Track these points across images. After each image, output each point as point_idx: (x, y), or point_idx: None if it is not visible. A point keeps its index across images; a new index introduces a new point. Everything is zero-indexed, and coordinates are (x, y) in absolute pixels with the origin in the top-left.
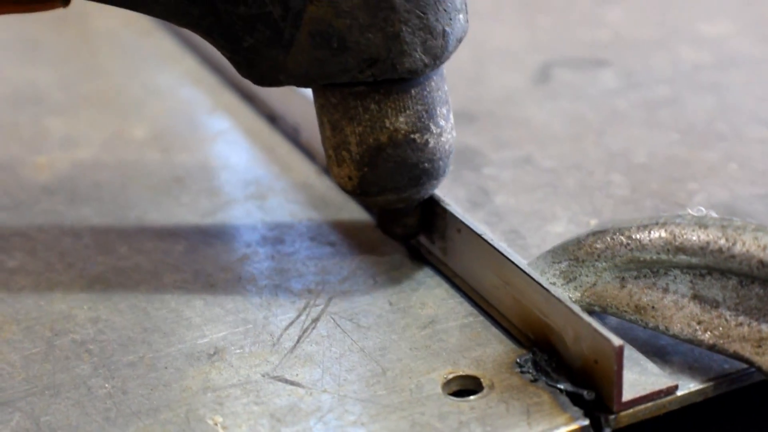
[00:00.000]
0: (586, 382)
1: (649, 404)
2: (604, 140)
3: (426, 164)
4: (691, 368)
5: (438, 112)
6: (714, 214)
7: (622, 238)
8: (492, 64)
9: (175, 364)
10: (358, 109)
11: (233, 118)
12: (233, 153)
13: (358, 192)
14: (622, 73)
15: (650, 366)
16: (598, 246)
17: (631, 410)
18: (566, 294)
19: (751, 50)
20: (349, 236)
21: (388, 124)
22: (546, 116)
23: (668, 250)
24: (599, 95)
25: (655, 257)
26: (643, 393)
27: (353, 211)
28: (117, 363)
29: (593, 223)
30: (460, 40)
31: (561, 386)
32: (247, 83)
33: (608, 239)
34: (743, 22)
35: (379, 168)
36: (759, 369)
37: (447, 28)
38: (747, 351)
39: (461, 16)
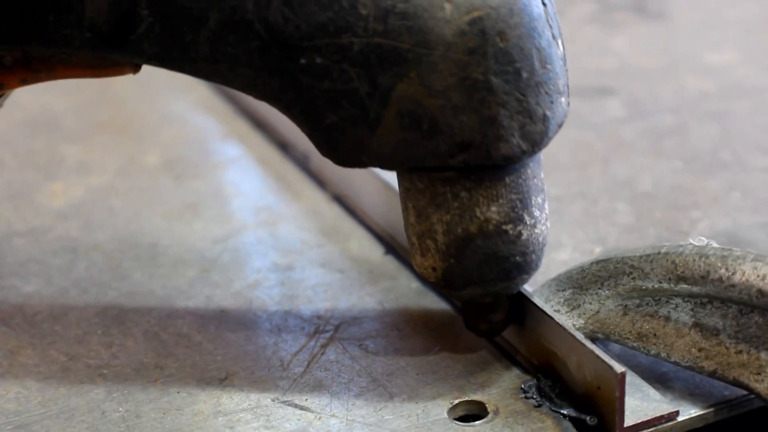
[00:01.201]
0: (589, 408)
1: (651, 430)
2: (609, 168)
3: (518, 257)
4: (692, 394)
5: (533, 201)
6: (715, 244)
7: (625, 267)
8: None
9: (187, 388)
10: (446, 195)
11: (245, 145)
12: (245, 180)
13: (442, 284)
14: (628, 102)
15: (652, 392)
16: (601, 274)
17: None
18: (570, 321)
19: (755, 79)
20: (359, 263)
21: (478, 214)
22: (552, 145)
23: (670, 279)
24: (605, 124)
25: (657, 286)
26: (644, 419)
27: (362, 239)
28: (130, 387)
29: (597, 251)
30: (560, 125)
31: (564, 412)
32: (259, 111)
33: (611, 268)
34: (748, 52)
35: (467, 260)
36: (758, 395)
37: (548, 113)
38: (747, 378)
39: (563, 99)
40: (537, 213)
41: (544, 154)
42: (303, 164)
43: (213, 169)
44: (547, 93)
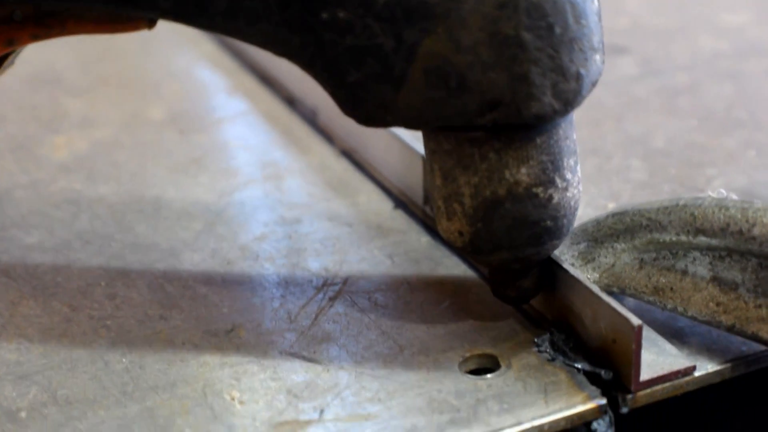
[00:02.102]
0: (604, 362)
1: (667, 384)
2: (622, 126)
3: (548, 222)
4: (709, 350)
5: (565, 163)
6: (735, 197)
7: (641, 219)
8: None
9: (193, 340)
10: (474, 157)
11: (251, 100)
12: (251, 135)
13: (469, 249)
14: (642, 61)
15: (668, 347)
16: (617, 227)
17: (648, 390)
18: (585, 275)
19: None
20: (367, 217)
21: (508, 176)
22: None
23: (688, 231)
24: (618, 82)
25: (674, 239)
26: (660, 373)
27: (371, 193)
28: (134, 338)
29: (611, 207)
30: (594, 84)
31: (578, 366)
32: (266, 66)
33: (627, 220)
34: (763, 12)
35: (495, 224)
36: None
37: (582, 70)
38: (765, 332)
39: (598, 56)
40: (569, 176)
41: None
42: (311, 119)
43: (218, 123)
44: (581, 50)
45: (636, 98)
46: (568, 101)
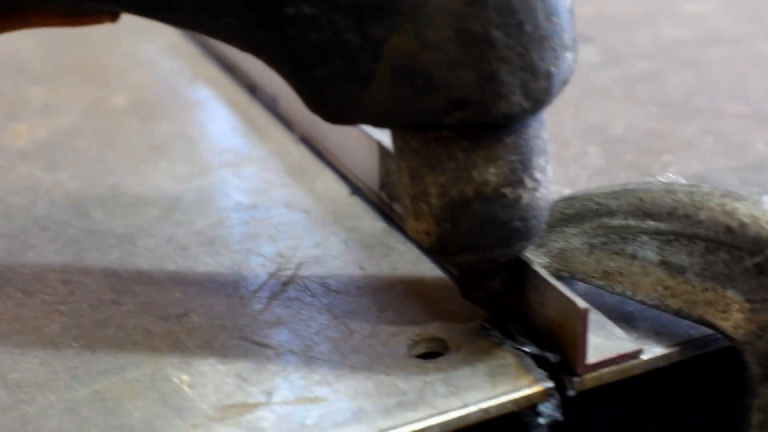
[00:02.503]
0: (552, 346)
1: (614, 368)
2: (581, 113)
3: (517, 223)
4: (658, 333)
5: (535, 163)
6: (683, 181)
7: (591, 204)
8: None
9: (144, 324)
10: (442, 156)
11: (213, 88)
12: (212, 122)
13: (436, 250)
14: (604, 49)
15: (616, 331)
16: (567, 212)
17: (595, 373)
18: (536, 260)
19: (732, 28)
20: (324, 203)
21: (476, 176)
22: None
23: (636, 215)
24: (580, 70)
25: (623, 223)
26: (607, 356)
27: (329, 180)
28: (86, 323)
29: (566, 193)
30: (566, 82)
31: (526, 349)
32: (228, 55)
33: (578, 205)
34: (726, 1)
35: (463, 225)
36: (724, 333)
37: (552, 68)
38: (712, 316)
39: (569, 54)
40: (539, 176)
41: None
42: (271, 106)
43: (180, 111)
44: (552, 48)
45: (597, 86)
46: (538, 100)
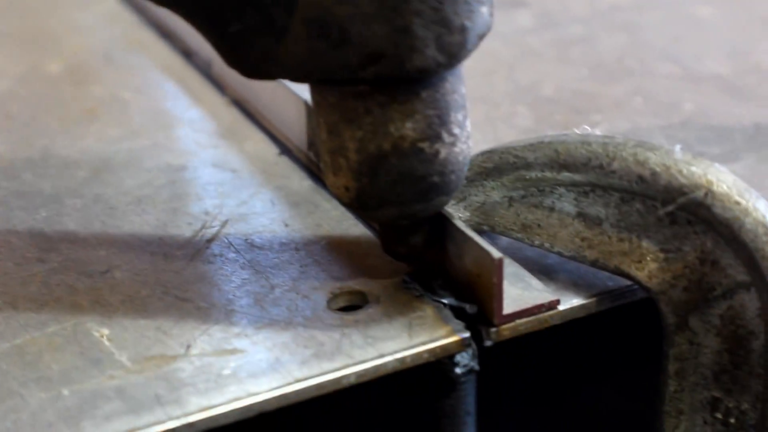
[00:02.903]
0: (470, 297)
1: (531, 318)
2: (513, 75)
3: (435, 177)
4: (576, 285)
5: (452, 118)
6: (598, 133)
7: (509, 156)
8: None
9: (68, 281)
10: (358, 111)
11: (149, 54)
12: (145, 86)
13: (356, 205)
14: (539, 13)
15: (534, 282)
16: (486, 165)
17: (512, 323)
18: (455, 213)
19: None
20: (252, 163)
21: (392, 130)
22: None
23: (552, 167)
24: (513, 34)
25: (540, 175)
26: (524, 306)
27: (258, 141)
28: (10, 281)
29: None
30: (481, 37)
31: (445, 301)
32: (165, 21)
33: (496, 158)
34: None
35: (380, 179)
36: (639, 283)
37: (467, 23)
38: (628, 266)
39: (485, 9)
40: (456, 130)
41: None
42: (206, 71)
43: (114, 76)
44: (466, 2)
45: (530, 49)
46: (453, 54)
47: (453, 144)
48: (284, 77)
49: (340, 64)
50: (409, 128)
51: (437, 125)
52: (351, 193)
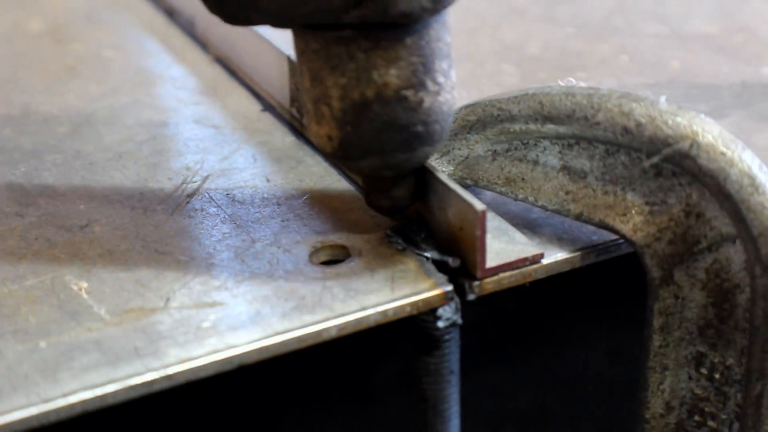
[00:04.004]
0: (453, 251)
1: (515, 272)
2: (499, 34)
3: (419, 127)
4: (560, 239)
5: (437, 66)
6: (583, 84)
7: (492, 109)
8: None
9: (46, 235)
10: (342, 57)
11: (131, 12)
12: (128, 44)
13: (339, 155)
14: None
15: (518, 236)
16: (469, 118)
17: (495, 277)
18: (439, 167)
19: None
20: (235, 120)
21: (376, 77)
22: None
23: (536, 119)
24: None
25: (524, 127)
26: (507, 260)
27: (241, 97)
28: None
29: None
30: None
31: (427, 255)
32: None
33: (479, 111)
34: None
35: (364, 128)
36: (623, 236)
37: None
38: (612, 219)
39: None
40: (441, 79)
41: None
42: (189, 29)
43: (96, 34)
44: None
45: (515, 8)
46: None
47: (437, 93)
48: (266, 23)
49: (322, 8)
50: (393, 75)
51: (421, 73)
52: (334, 142)
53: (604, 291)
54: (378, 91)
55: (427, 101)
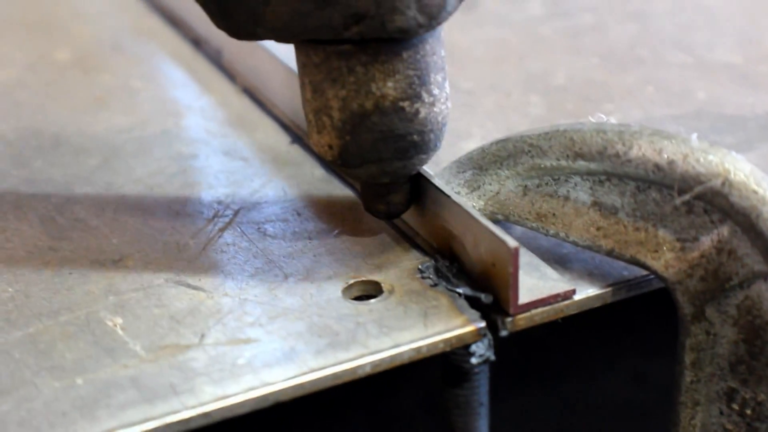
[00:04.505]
0: (486, 287)
1: (546, 308)
2: (524, 64)
3: (415, 136)
4: (591, 275)
5: (432, 79)
6: (613, 121)
7: (523, 145)
8: None
9: (80, 269)
10: (342, 70)
11: (158, 42)
12: (155, 74)
13: (339, 163)
14: (549, 2)
15: (549, 272)
16: (501, 154)
17: (527, 313)
18: (470, 203)
19: None
20: (263, 152)
21: (374, 89)
22: (470, 42)
23: (568, 156)
24: (525, 22)
25: (555, 164)
26: (540, 296)
27: (269, 129)
28: (22, 269)
29: None
30: (461, 0)
31: (460, 290)
32: (174, 8)
33: (510, 147)
34: None
35: (363, 137)
36: (655, 273)
37: None
38: (643, 255)
39: None
40: (436, 91)
41: (458, 49)
42: (215, 59)
43: (123, 64)
44: None
45: (540, 38)
46: (433, 15)
47: (432, 104)
48: (271, 38)
49: (324, 24)
50: (390, 87)
51: (417, 85)
52: (334, 150)
53: (630, 317)
54: (376, 103)
55: (423, 112)
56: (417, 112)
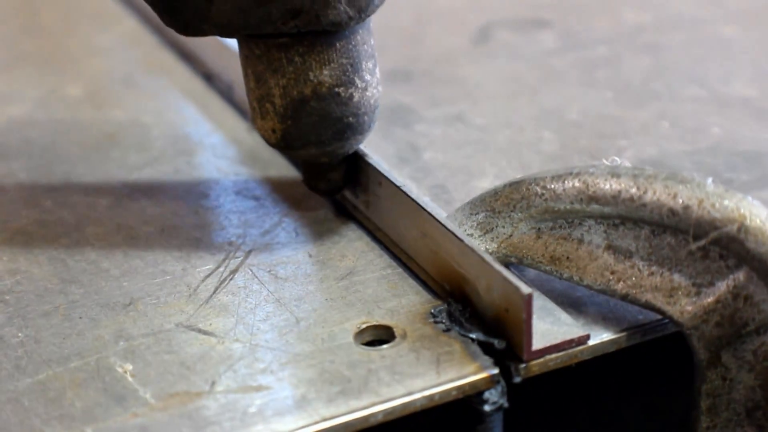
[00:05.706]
0: (498, 332)
1: (561, 353)
2: (537, 98)
3: (350, 118)
4: (605, 319)
5: (363, 66)
6: (627, 164)
7: (537, 188)
8: (433, 24)
9: (90, 314)
10: (282, 61)
11: (169, 77)
12: (166, 110)
13: (282, 145)
14: (562, 34)
15: (563, 316)
16: (514, 197)
17: (541, 359)
18: (483, 245)
19: (692, 11)
20: (275, 191)
21: (312, 77)
22: (482, 75)
23: (581, 199)
24: (537, 55)
25: (569, 207)
26: (553, 342)
27: (281, 167)
28: (32, 313)
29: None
30: None
31: (473, 336)
32: (185, 43)
33: (524, 189)
34: None
35: (303, 121)
36: (670, 318)
37: None
38: (658, 300)
39: None
40: (368, 77)
41: (471, 83)
42: (227, 95)
43: (134, 100)
44: None
45: (554, 71)
46: (362, 8)
47: (365, 89)
48: (216, 33)
49: (264, 20)
50: (326, 75)
51: (351, 72)
52: (277, 134)
53: (649, 370)
54: (314, 89)
55: (356, 96)
56: (351, 96)
